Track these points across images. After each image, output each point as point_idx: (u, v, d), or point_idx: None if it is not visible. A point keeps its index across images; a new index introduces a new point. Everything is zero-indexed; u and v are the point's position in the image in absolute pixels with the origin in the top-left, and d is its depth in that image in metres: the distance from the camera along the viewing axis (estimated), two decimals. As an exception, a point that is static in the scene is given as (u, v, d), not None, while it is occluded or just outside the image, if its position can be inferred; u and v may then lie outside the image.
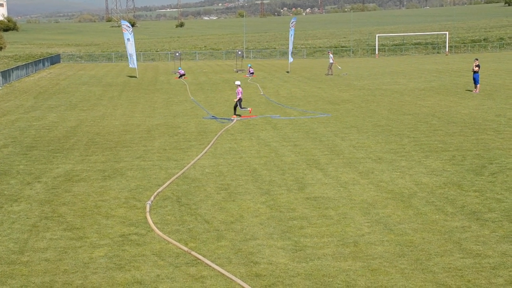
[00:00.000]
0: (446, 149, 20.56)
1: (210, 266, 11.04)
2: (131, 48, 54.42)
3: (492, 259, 11.09)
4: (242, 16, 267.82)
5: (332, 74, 51.53)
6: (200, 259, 11.34)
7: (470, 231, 12.56)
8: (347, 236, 12.47)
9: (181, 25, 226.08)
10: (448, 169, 17.85)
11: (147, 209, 14.45)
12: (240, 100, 28.44)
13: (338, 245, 11.95)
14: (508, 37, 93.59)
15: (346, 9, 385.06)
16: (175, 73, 55.54)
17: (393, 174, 17.49)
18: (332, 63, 52.65)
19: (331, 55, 53.72)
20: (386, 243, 12.02)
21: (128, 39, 54.25)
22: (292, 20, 57.49)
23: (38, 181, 17.43)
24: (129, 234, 12.82)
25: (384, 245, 11.89)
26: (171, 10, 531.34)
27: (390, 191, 15.69)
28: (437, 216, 13.56)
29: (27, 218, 14.06)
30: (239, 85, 28.75)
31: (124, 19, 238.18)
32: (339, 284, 10.22)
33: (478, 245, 11.81)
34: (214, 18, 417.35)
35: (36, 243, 12.38)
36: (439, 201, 14.69)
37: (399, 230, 12.72)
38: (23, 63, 60.40)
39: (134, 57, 55.02)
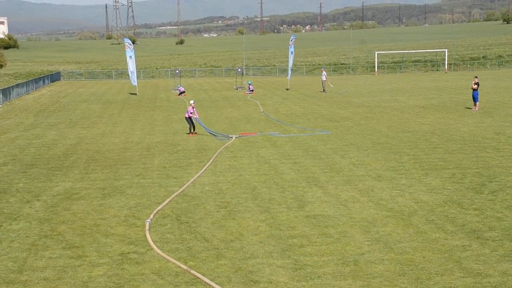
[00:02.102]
0: (446, 167, 20.56)
1: (209, 285, 10.98)
2: (132, 65, 54.73)
3: (493, 278, 11.04)
4: (242, 33, 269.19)
5: (325, 92, 51.76)
6: (199, 278, 11.29)
7: (471, 250, 12.52)
8: (347, 254, 12.43)
9: (181, 42, 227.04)
10: (448, 187, 17.83)
11: (147, 227, 14.42)
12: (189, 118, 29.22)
13: (338, 264, 11.91)
14: (507, 54, 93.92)
15: (345, 27, 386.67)
16: (175, 91, 55.67)
17: (393, 192, 17.47)
18: (324, 81, 52.84)
19: (324, 73, 53.90)
20: (386, 261, 11.97)
21: (130, 57, 54.62)
22: (292, 38, 57.80)
23: (38, 199, 17.41)
24: (129, 253, 12.78)
25: (384, 264, 11.85)
26: (171, 27, 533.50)
27: (390, 209, 15.67)
28: (437, 235, 13.53)
29: (26, 236, 14.02)
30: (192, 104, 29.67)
31: (124, 37, 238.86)
32: (339, 303, 10.17)
33: (478, 264, 11.76)
34: (214, 35, 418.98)
35: (35, 262, 12.33)
36: (439, 220, 14.66)
37: (399, 249, 12.68)
38: (24, 81, 60.57)
39: (135, 74, 55.32)
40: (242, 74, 65.66)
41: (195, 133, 29.12)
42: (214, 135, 28.56)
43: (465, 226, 14.13)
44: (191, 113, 29.06)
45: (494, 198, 16.49)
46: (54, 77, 76.25)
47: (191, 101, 30.27)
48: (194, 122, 29.31)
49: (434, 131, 28.55)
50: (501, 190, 17.38)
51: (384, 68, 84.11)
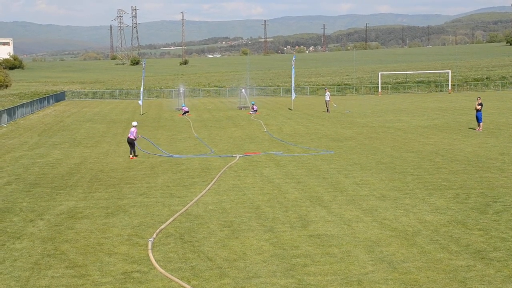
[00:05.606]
0: (450, 187, 20.51)
1: (212, 304, 10.93)
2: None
3: (498, 299, 10.96)
4: (246, 54, 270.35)
5: (328, 112, 51.98)
6: (202, 298, 11.24)
7: (475, 271, 12.45)
8: (351, 274, 12.37)
9: (185, 62, 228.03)
10: (452, 207, 17.78)
11: (150, 246, 14.39)
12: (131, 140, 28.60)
13: (342, 284, 11.85)
14: (510, 76, 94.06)
15: (349, 47, 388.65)
16: (179, 110, 55.88)
17: (397, 211, 17.42)
18: (328, 101, 53.10)
19: (327, 93, 54.20)
20: (390, 282, 11.91)
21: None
22: (293, 58, 59.69)
23: (41, 218, 17.40)
24: (132, 272, 12.74)
25: (388, 284, 11.78)
26: (175, 48, 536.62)
27: (394, 229, 15.61)
28: (441, 255, 13.46)
29: (29, 255, 13.99)
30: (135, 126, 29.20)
31: (129, 57, 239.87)
32: (343, 323, 10.10)
33: (483, 284, 11.69)
34: (218, 55, 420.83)
35: (38, 281, 12.30)
36: (444, 240, 14.60)
37: (403, 269, 12.62)
38: (28, 101, 60.83)
39: (142, 94, 56.18)
40: (246, 94, 65.55)
41: (135, 156, 28.58)
42: (164, 154, 28.97)
43: (470, 246, 14.07)
44: (134, 134, 28.54)
45: (498, 219, 16.43)
46: (59, 97, 76.56)
47: (134, 123, 29.53)
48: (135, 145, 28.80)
49: (438, 151, 28.53)
50: (505, 210, 17.32)
51: (387, 89, 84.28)
